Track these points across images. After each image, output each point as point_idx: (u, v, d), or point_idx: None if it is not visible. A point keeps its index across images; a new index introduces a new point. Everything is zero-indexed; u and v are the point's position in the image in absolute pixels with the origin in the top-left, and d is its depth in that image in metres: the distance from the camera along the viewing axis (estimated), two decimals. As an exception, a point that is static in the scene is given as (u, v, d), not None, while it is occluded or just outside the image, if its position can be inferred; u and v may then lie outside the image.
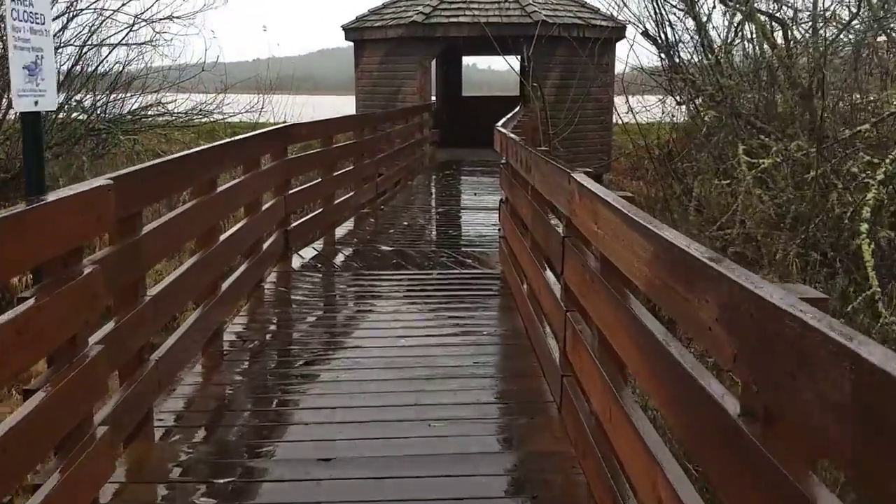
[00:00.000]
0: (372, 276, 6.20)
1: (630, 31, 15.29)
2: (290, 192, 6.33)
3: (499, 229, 6.36)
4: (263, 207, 5.60)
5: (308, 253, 6.94)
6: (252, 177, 5.22)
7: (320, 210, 7.31)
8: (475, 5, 15.28)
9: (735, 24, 11.84)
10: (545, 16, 14.75)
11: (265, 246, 5.69)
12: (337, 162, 7.87)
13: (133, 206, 3.24)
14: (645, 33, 12.69)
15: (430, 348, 4.36)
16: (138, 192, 3.27)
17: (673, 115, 15.46)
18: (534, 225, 4.07)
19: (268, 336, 4.72)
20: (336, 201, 7.63)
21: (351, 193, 8.39)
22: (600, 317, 2.47)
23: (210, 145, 4.37)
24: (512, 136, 5.22)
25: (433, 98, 17.11)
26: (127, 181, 3.10)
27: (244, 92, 22.67)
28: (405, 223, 8.65)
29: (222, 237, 4.57)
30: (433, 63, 15.56)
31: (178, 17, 17.51)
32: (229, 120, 21.12)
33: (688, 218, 11.27)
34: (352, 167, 8.43)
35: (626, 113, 14.45)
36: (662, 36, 12.52)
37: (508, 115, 10.12)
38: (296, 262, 6.51)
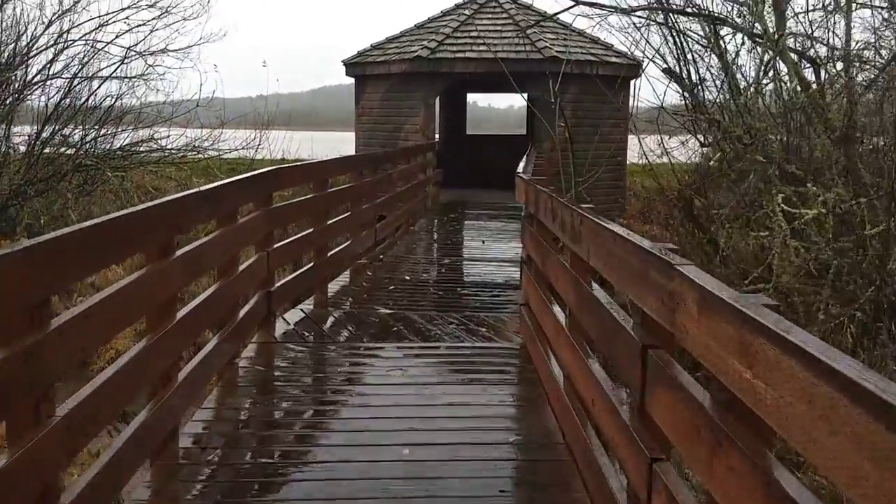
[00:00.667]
0: (367, 349, 5.24)
1: (649, 68, 14.62)
2: (275, 246, 5.40)
3: (521, 302, 5.38)
4: (241, 268, 4.68)
5: (294, 316, 5.98)
6: (225, 234, 4.30)
7: (311, 265, 6.37)
8: (483, 40, 14.54)
9: (764, 63, 11.03)
10: (556, 52, 14.00)
11: (242, 313, 4.75)
12: (331, 209, 6.97)
13: (44, 290, 2.33)
14: (668, 71, 11.91)
15: (435, 466, 3.37)
16: (55, 267, 2.35)
17: (692, 157, 14.70)
18: (579, 307, 3.13)
19: (234, 439, 3.74)
20: (330, 253, 6.70)
21: (347, 243, 7.48)
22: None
23: (163, 200, 3.44)
24: (543, 189, 4.31)
25: (436, 136, 16.31)
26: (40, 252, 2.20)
27: (242, 128, 22.00)
28: (406, 277, 7.71)
29: (182, 312, 3.63)
30: (437, 100, 14.77)
31: (172, 51, 16.85)
32: (226, 156, 20.44)
33: (712, 270, 10.32)
34: (348, 213, 7.53)
35: (642, 155, 13.68)
36: (686, 73, 11.73)
37: (525, 158, 9.23)
38: (279, 329, 5.56)
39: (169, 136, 18.03)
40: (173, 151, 18.21)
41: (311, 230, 6.33)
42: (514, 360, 4.96)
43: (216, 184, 4.25)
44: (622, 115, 15.21)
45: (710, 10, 11.16)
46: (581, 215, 2.93)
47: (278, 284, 5.54)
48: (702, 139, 12.22)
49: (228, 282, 4.43)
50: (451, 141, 18.16)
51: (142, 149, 17.83)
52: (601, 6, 11.07)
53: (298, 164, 6.73)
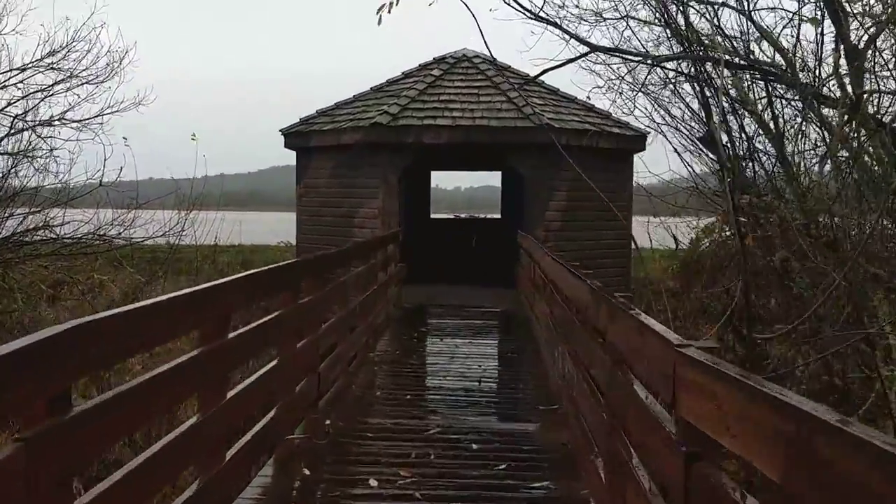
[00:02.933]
0: None
1: (656, 142, 12.11)
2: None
3: None
4: None
5: None
6: None
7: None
8: (457, 105, 11.80)
9: (839, 131, 8.43)
10: (549, 119, 11.31)
11: None
12: (237, 364, 3.80)
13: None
14: (704, 139, 9.28)
15: None
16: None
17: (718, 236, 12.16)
18: None
19: None
20: (233, 450, 3.48)
21: (267, 418, 4.27)
22: None
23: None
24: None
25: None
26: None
27: (166, 208, 18.81)
28: (373, 482, 4.40)
29: None
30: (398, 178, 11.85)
31: (74, 121, 13.79)
32: (146, 243, 17.28)
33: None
34: (272, 365, 4.34)
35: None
36: (727, 144, 9.07)
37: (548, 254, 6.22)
38: None
39: (65, 222, 14.66)
40: (74, 239, 14.83)
41: (199, 419, 3.13)
42: None
43: None
44: (627, 195, 12.51)
45: (765, 61, 8.56)
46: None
47: None
48: (749, 229, 9.49)
49: None
50: (414, 226, 15.23)
51: (35, 237, 14.47)
52: (623, 53, 8.40)
53: (132, 307, 3.13)
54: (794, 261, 8.51)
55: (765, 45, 8.83)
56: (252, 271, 4.11)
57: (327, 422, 5.48)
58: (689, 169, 9.88)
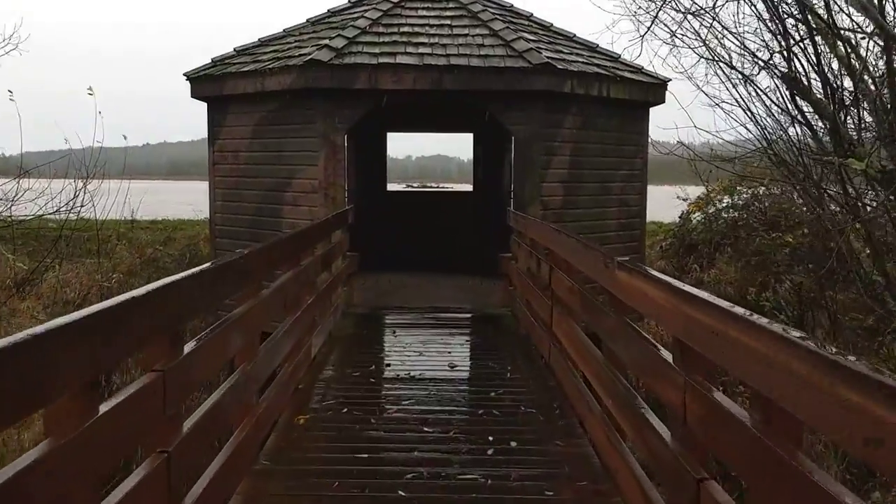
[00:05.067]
0: None
1: (680, 92, 9.36)
2: None
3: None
4: None
5: None
6: None
7: None
8: (424, 39, 8.75)
9: None
10: (548, 58, 8.37)
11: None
12: None
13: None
14: (787, 76, 6.46)
15: None
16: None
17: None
18: None
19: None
20: None
21: None
22: None
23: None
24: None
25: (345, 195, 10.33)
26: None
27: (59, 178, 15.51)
28: None
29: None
30: (345, 137, 8.80)
31: None
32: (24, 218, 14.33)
33: None
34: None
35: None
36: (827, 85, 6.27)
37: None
38: None
39: None
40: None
41: None
42: None
43: None
44: (641, 160, 9.73)
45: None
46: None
47: None
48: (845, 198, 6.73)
49: None
50: (365, 200, 12.22)
51: None
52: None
53: None
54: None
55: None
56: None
57: None
58: (759, 120, 7.07)
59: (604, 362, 3.89)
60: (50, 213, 14.69)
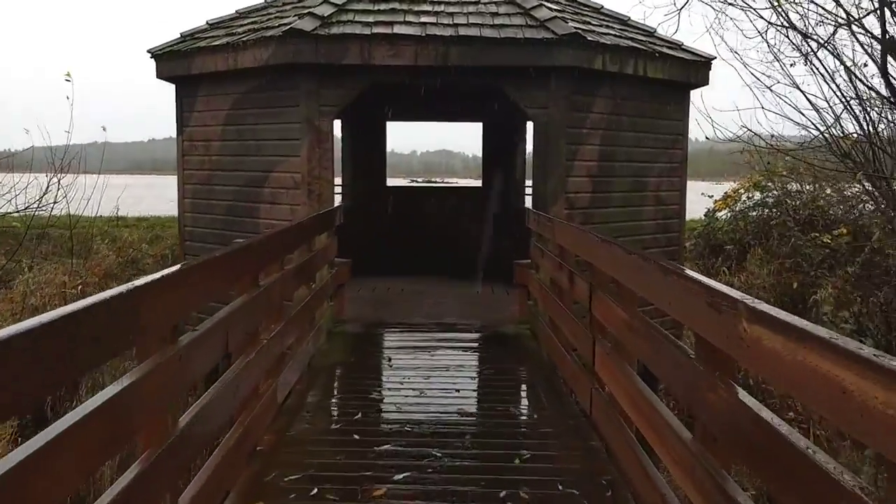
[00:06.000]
0: None
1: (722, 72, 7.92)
2: None
3: None
4: None
5: None
6: None
7: None
8: (427, 6, 7.40)
9: None
10: (576, 28, 7.01)
11: None
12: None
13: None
14: (883, 40, 5.09)
15: None
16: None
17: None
18: None
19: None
20: None
21: None
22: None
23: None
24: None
25: (337, 190, 9.01)
26: None
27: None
28: None
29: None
30: (333, 121, 7.46)
31: None
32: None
33: None
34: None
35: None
36: None
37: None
38: None
39: None
40: None
41: None
42: None
43: None
44: (680, 146, 8.38)
45: None
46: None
47: None
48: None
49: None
50: (362, 197, 10.88)
51: None
52: None
53: None
54: None
55: None
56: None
57: None
58: (829, 102, 5.70)
59: (694, 447, 2.54)
60: (12, 212, 13.42)
